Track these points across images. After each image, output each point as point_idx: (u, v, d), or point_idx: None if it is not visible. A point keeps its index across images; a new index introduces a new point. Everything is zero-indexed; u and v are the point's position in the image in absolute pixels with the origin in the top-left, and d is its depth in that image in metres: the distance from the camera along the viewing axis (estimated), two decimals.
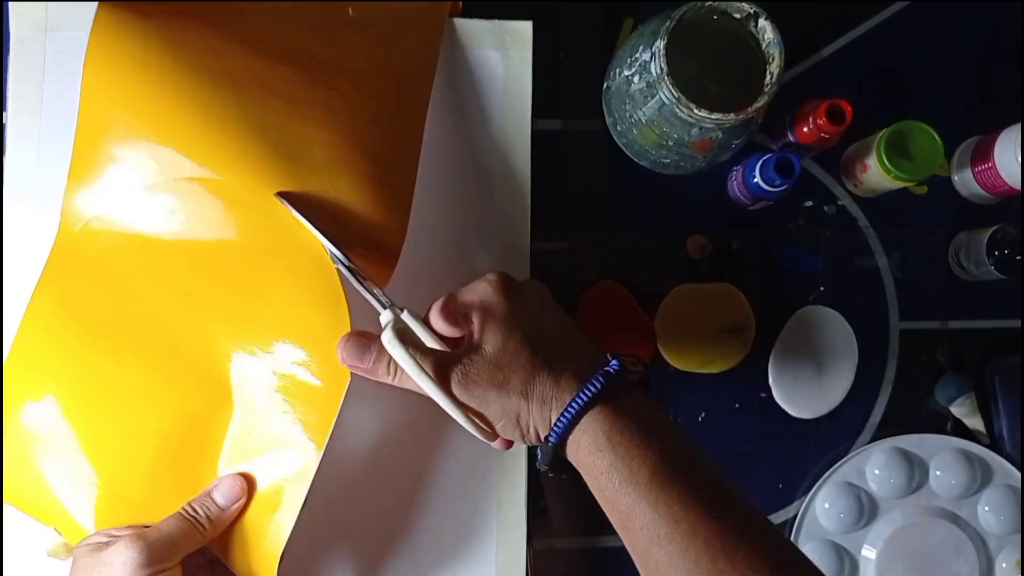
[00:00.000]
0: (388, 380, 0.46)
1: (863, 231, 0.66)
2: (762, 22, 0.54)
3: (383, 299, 0.46)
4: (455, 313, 0.46)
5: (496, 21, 0.61)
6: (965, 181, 0.66)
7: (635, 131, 0.59)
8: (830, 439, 0.65)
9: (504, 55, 0.61)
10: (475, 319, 0.45)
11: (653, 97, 0.55)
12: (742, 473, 0.64)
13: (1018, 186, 0.62)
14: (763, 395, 0.64)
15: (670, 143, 0.57)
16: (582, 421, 0.42)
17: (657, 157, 0.60)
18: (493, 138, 0.61)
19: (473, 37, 0.61)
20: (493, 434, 0.45)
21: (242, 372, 0.49)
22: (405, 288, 0.51)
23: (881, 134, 0.61)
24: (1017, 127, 0.61)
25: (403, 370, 0.44)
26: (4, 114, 0.58)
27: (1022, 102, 0.67)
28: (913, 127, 0.61)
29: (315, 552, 0.58)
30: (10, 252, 0.57)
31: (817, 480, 0.63)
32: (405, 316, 0.46)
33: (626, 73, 0.57)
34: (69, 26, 0.58)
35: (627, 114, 0.58)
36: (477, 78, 0.61)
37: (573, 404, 0.42)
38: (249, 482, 0.49)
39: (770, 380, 0.64)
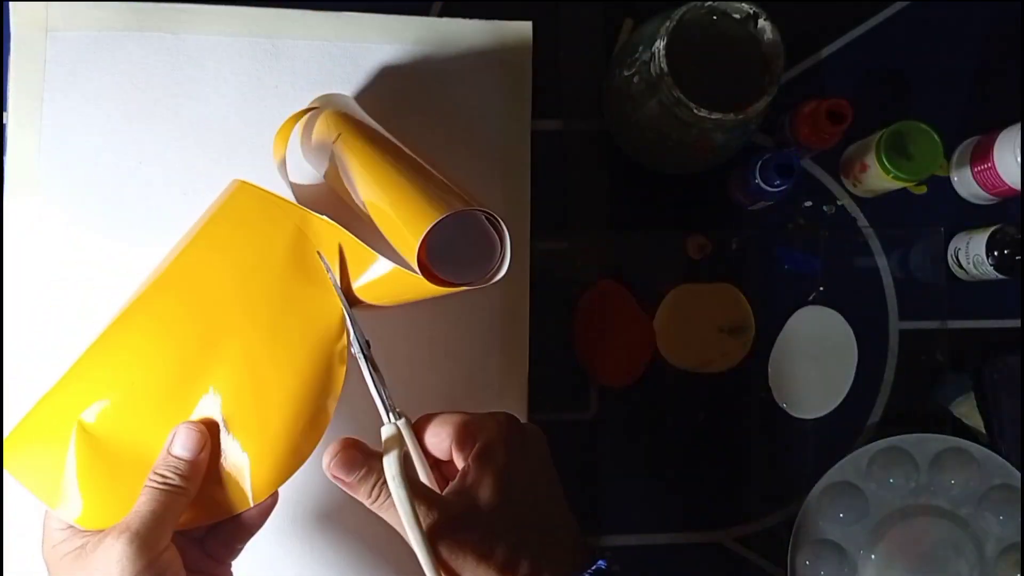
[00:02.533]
0: (365, 502, 0.42)
1: (863, 231, 0.66)
2: (762, 22, 0.54)
3: (390, 407, 0.44)
4: (450, 438, 0.43)
5: (496, 21, 0.62)
6: (964, 181, 0.66)
7: (635, 131, 0.59)
8: (830, 439, 0.65)
9: (504, 55, 0.62)
10: (473, 461, 0.42)
11: (653, 97, 0.55)
12: (742, 473, 0.64)
13: (1017, 186, 0.62)
14: (763, 395, 0.64)
15: (670, 143, 0.57)
16: None
17: (657, 157, 0.60)
18: (493, 138, 0.61)
19: (473, 37, 0.61)
20: None
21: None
22: None
23: (881, 134, 0.61)
24: (1016, 127, 0.61)
25: (383, 499, 0.41)
26: (4, 114, 0.58)
27: (1022, 102, 0.67)
28: (912, 127, 0.61)
29: (314, 550, 0.58)
30: (10, 251, 0.57)
31: (817, 480, 0.63)
32: (403, 424, 0.43)
33: (626, 73, 0.57)
34: (69, 26, 0.58)
35: (627, 114, 0.59)
36: (477, 78, 0.61)
37: None
38: (208, 425, 0.46)
39: (770, 380, 0.64)
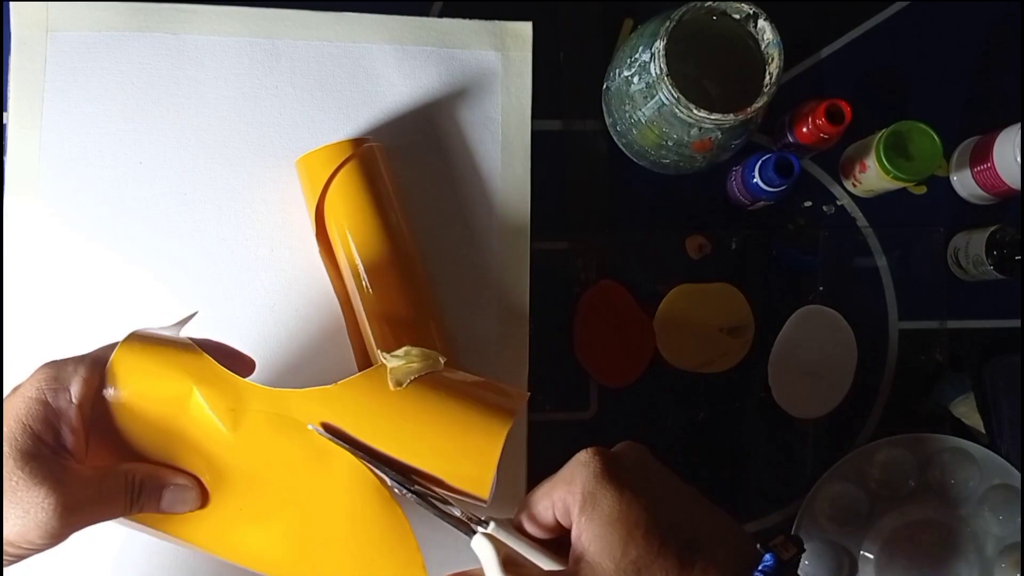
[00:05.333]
0: None
1: (862, 231, 0.66)
2: (761, 22, 0.54)
3: (466, 521, 0.40)
4: (552, 510, 0.39)
5: (496, 21, 0.62)
6: (964, 181, 0.66)
7: (635, 131, 0.59)
8: (830, 439, 0.65)
9: (504, 55, 0.62)
10: (578, 519, 0.37)
11: (653, 97, 0.55)
12: (742, 473, 0.64)
13: (1017, 186, 0.62)
14: (763, 395, 0.64)
15: (670, 143, 0.57)
16: None
17: (657, 157, 0.60)
18: (493, 139, 0.61)
19: (473, 37, 0.61)
20: None
21: None
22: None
23: (880, 134, 0.61)
24: (1016, 127, 0.61)
25: None
26: (4, 114, 0.58)
27: (1021, 102, 0.67)
28: (912, 127, 0.61)
29: None
30: (10, 251, 0.57)
31: (817, 480, 0.64)
32: (493, 530, 0.39)
33: (626, 73, 0.57)
34: (69, 26, 0.58)
35: (627, 114, 0.59)
36: (477, 79, 0.61)
37: None
38: (204, 495, 0.44)
39: (770, 380, 0.64)
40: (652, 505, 0.37)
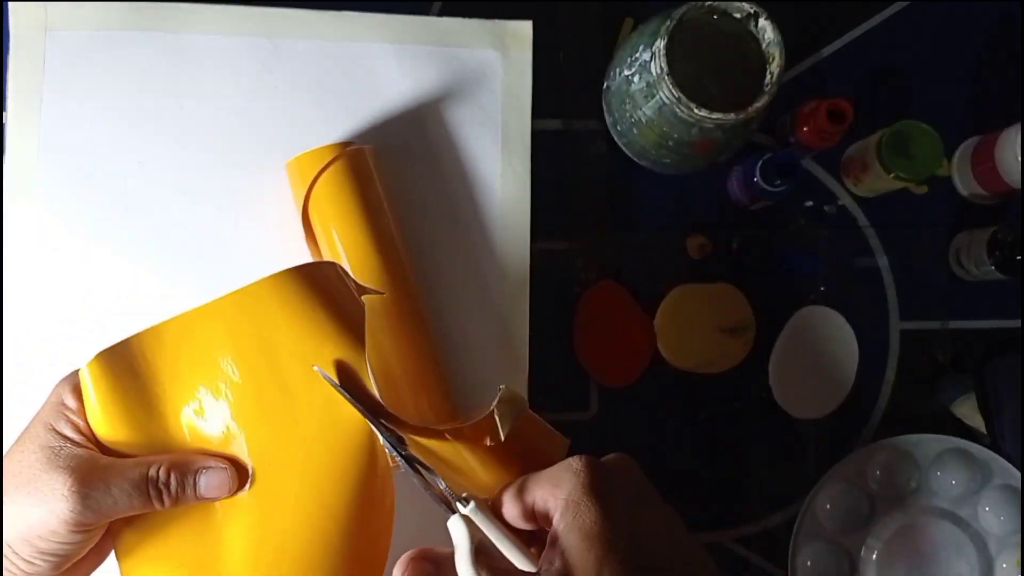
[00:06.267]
0: None
1: (863, 231, 0.66)
2: (762, 22, 0.54)
3: (450, 497, 0.39)
4: (532, 506, 0.39)
5: (496, 21, 0.62)
6: (965, 181, 0.66)
7: (635, 131, 0.59)
8: (830, 439, 0.65)
9: (504, 55, 0.62)
10: (558, 525, 0.37)
11: (653, 97, 0.55)
12: (742, 473, 0.64)
13: (1018, 186, 0.62)
14: (763, 395, 0.64)
15: (670, 143, 0.57)
16: None
17: (657, 157, 0.60)
18: (493, 138, 0.61)
19: (473, 36, 0.61)
20: None
21: None
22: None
23: (881, 134, 0.61)
24: (1017, 127, 0.61)
25: None
26: (4, 114, 0.58)
27: (1022, 102, 0.67)
28: (913, 127, 0.60)
29: None
30: (10, 251, 0.57)
31: (817, 480, 0.63)
32: (471, 510, 0.39)
33: (626, 73, 0.57)
34: (69, 25, 0.58)
35: (627, 114, 0.58)
36: (477, 78, 0.61)
37: None
38: (240, 475, 0.43)
39: (770, 380, 0.64)
40: (633, 530, 0.37)
